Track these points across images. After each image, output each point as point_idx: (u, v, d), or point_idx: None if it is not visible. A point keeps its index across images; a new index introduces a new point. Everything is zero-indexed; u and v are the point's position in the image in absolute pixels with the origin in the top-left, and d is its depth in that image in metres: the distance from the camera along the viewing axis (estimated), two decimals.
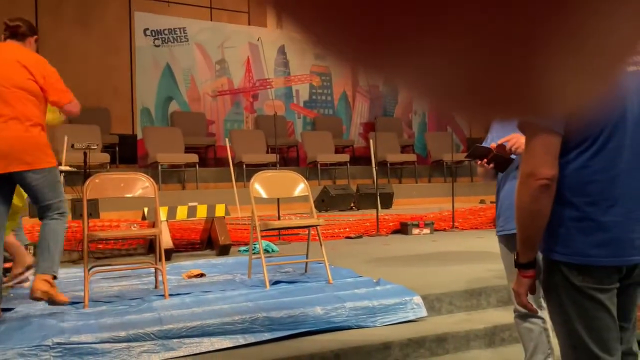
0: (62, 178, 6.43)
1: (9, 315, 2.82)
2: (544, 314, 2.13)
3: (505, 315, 3.15)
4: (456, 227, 6.73)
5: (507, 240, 2.18)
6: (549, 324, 2.05)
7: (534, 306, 1.59)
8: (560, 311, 1.44)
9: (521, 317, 2.17)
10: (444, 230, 6.68)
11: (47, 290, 2.78)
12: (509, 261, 2.17)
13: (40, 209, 2.91)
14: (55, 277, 2.86)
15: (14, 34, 2.96)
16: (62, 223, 2.93)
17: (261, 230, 3.66)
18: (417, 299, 3.09)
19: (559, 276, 1.42)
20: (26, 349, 2.31)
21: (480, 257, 4.46)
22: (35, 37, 3.06)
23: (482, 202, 8.59)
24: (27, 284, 3.46)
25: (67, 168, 5.78)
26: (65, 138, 6.47)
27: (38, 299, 2.79)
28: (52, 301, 2.83)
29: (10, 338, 2.41)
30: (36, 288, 2.76)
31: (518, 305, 1.53)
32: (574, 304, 1.40)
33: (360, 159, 10.22)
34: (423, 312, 3.05)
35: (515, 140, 2.04)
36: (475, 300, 3.29)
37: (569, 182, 1.39)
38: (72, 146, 5.65)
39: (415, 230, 6.33)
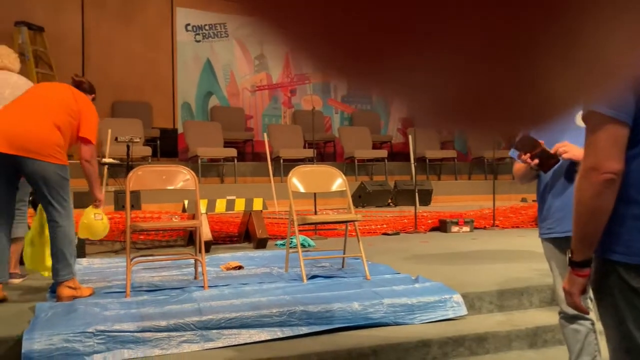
0: (105, 170, 6.61)
1: (55, 303, 2.91)
2: (591, 315, 2.05)
3: (548, 316, 3.06)
4: (496, 226, 6.59)
5: (555, 243, 2.10)
6: (597, 326, 1.97)
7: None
8: (614, 313, 1.37)
9: (567, 318, 2.10)
10: (484, 228, 6.55)
11: (72, 294, 2.98)
12: (557, 261, 2.10)
13: (45, 206, 2.98)
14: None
15: (77, 86, 3.30)
16: (69, 226, 2.99)
17: (299, 225, 3.66)
18: (457, 297, 3.03)
19: (614, 277, 1.35)
20: (71, 335, 2.38)
21: (522, 256, 4.35)
22: (93, 95, 3.42)
23: (523, 200, 8.38)
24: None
25: (111, 160, 5.93)
26: (109, 131, 6.64)
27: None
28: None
29: (56, 324, 2.48)
30: (62, 296, 2.95)
31: (569, 305, 1.46)
32: (629, 306, 1.33)
33: (399, 155, 10.12)
34: (463, 311, 2.99)
35: (566, 145, 1.96)
36: (517, 300, 3.21)
37: (633, 177, 1.31)
38: (116, 139, 5.79)
39: (455, 228, 6.23)
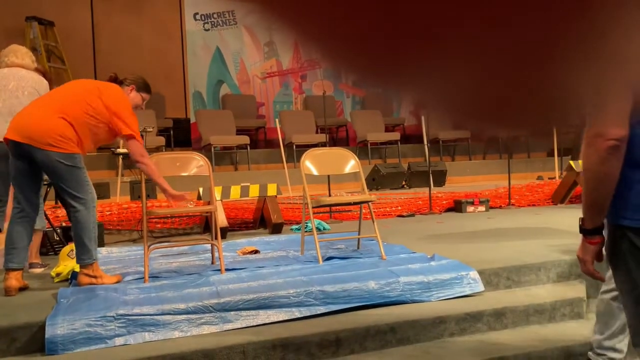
0: (119, 161, 6.67)
1: (77, 288, 2.96)
2: None
3: (566, 290, 3.05)
4: (512, 204, 6.54)
5: None
6: None
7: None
8: (628, 279, 1.37)
9: (617, 298, 2.07)
10: (500, 207, 6.51)
11: (90, 282, 3.01)
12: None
13: (61, 195, 3.05)
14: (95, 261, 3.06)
15: (113, 81, 3.28)
16: (86, 211, 2.99)
17: (313, 207, 3.67)
18: (474, 274, 3.02)
19: (626, 243, 1.34)
20: (92, 319, 2.42)
21: (538, 232, 4.32)
22: (132, 86, 3.30)
23: (539, 178, 8.31)
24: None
25: (125, 151, 5.98)
26: None
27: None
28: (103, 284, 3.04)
29: (78, 309, 2.53)
30: (81, 283, 3.01)
31: (584, 272, 1.46)
32: None
33: (412, 137, 10.07)
34: (480, 287, 2.99)
35: None
36: (534, 275, 3.19)
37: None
38: None
39: (470, 208, 6.20)
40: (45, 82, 3.76)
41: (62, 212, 4.71)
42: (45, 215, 4.53)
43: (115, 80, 3.28)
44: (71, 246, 3.47)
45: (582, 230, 1.40)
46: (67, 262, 3.34)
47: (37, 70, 3.79)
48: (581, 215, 1.40)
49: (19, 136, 2.91)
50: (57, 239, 4.50)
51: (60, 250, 4.34)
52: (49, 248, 4.38)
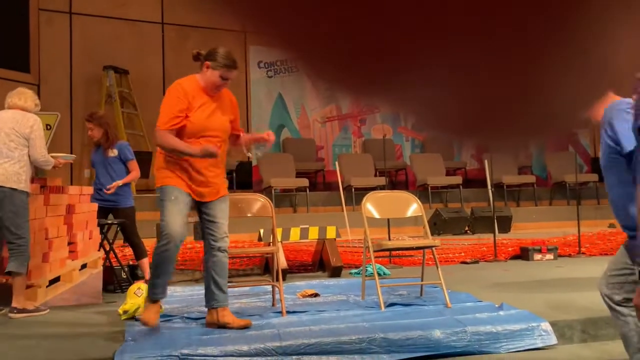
0: None
1: (142, 327, 3.01)
2: None
3: None
4: (583, 253, 6.21)
5: None
6: None
7: None
8: None
9: None
10: (569, 256, 6.20)
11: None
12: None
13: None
14: None
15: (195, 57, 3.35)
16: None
17: (374, 251, 3.62)
18: (546, 325, 2.86)
19: None
20: (159, 357, 2.46)
21: None
22: (206, 64, 3.31)
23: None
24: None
25: None
26: None
27: None
28: None
29: (144, 348, 2.58)
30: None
31: None
32: None
33: (474, 181, 9.85)
34: (553, 340, 2.82)
35: None
36: (612, 330, 2.98)
37: None
38: None
39: (537, 256, 5.93)
40: (30, 122, 3.57)
41: (129, 250, 4.89)
42: (115, 253, 4.71)
43: (197, 57, 3.23)
44: (138, 284, 3.58)
45: None
46: (134, 300, 3.43)
47: None
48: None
49: None
50: (125, 277, 4.65)
51: (127, 288, 4.49)
52: (117, 286, 4.53)
